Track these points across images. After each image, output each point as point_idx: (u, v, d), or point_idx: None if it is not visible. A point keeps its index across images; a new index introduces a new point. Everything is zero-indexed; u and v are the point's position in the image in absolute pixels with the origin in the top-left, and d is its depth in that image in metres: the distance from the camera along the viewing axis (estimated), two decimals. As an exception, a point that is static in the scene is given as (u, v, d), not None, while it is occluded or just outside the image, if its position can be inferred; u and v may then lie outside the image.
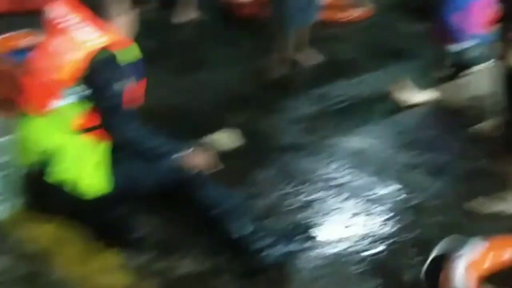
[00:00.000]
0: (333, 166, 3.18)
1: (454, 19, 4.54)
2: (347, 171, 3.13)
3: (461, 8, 4.55)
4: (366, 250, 2.53)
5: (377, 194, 2.94)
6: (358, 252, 2.52)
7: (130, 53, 2.24)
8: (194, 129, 3.24)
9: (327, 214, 2.76)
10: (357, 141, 3.49)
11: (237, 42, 4.94)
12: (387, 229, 2.69)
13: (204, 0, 5.78)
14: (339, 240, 2.58)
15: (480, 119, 3.80)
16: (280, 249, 2.34)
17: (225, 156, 3.10)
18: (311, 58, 4.53)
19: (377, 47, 5.29)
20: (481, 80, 4.05)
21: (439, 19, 4.70)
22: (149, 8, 5.19)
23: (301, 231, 2.50)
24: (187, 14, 5.43)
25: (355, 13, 5.94)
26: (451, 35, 4.60)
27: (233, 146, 3.25)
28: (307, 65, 4.47)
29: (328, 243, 2.55)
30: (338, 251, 2.52)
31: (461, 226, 2.73)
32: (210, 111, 3.67)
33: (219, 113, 3.65)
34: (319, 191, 2.93)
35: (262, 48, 4.38)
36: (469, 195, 2.95)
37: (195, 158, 2.33)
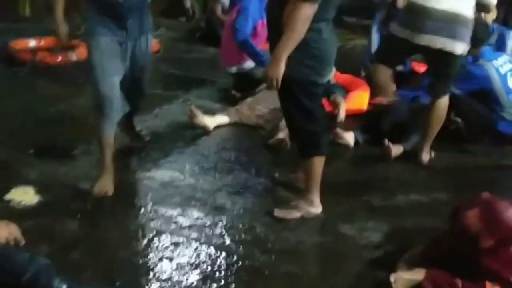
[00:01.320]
0: (139, 203, 3.16)
1: (249, 40, 4.78)
2: (152, 206, 3.13)
3: (252, 30, 4.82)
4: (184, 281, 2.55)
5: (185, 224, 2.97)
6: (176, 284, 2.53)
7: None
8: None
9: (139, 253, 2.74)
10: (161, 174, 3.50)
11: (30, 90, 4.73)
12: (200, 256, 2.74)
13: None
14: (157, 277, 2.57)
15: (273, 134, 4.06)
16: None
17: (24, 214, 2.96)
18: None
19: (171, 78, 5.41)
20: (270, 96, 4.33)
21: (227, 43, 4.94)
22: None
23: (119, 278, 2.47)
24: None
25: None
26: (249, 56, 4.83)
27: (31, 202, 3.09)
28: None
29: (148, 281, 2.53)
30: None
31: (268, 240, 2.89)
32: (2, 168, 3.44)
33: (12, 168, 3.43)
34: (126, 230, 2.90)
35: (57, 95, 4.22)
36: (269, 207, 3.13)
37: None
